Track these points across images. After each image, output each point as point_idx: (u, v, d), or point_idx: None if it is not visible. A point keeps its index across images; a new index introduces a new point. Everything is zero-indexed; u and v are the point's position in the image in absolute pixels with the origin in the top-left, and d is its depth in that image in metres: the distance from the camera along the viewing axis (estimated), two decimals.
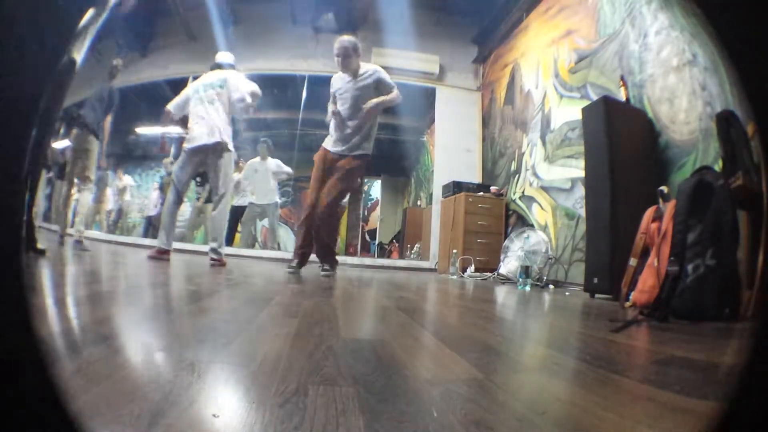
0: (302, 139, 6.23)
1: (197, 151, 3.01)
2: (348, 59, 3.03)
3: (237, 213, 5.56)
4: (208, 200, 5.28)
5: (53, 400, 0.31)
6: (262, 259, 5.14)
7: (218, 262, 2.98)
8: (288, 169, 5.42)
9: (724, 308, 1.54)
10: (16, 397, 0.29)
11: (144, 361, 0.67)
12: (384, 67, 5.50)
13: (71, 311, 0.99)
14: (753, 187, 1.54)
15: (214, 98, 3.04)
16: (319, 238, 2.88)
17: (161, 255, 2.91)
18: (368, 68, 3.17)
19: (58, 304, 1.01)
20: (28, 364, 0.30)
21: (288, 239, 6.77)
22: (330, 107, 3.07)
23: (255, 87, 3.15)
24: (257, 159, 5.37)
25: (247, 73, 5.88)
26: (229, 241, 5.65)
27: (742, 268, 1.55)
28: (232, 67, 3.27)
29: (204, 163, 3.07)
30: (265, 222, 5.61)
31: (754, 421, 0.31)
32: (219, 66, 3.23)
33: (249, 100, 3.09)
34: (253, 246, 5.83)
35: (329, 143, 3.03)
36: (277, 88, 6.45)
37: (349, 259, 5.54)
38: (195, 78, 3.39)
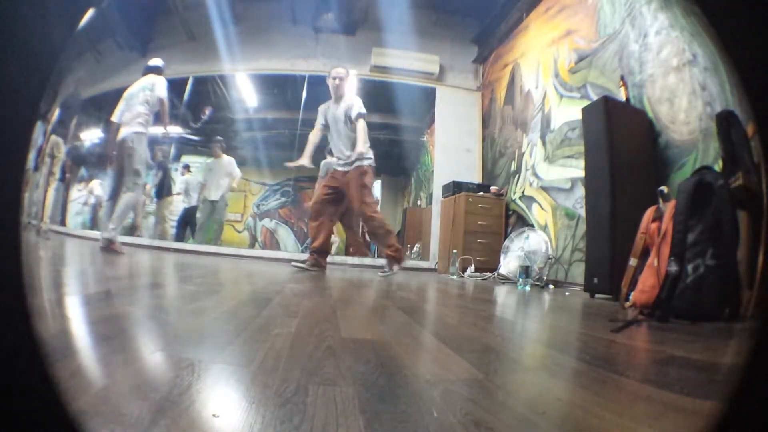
0: (302, 139, 6.22)
1: (120, 145, 3.16)
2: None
3: (188, 214, 5.67)
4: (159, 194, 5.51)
5: (53, 400, 0.31)
6: (250, 258, 5.14)
7: (111, 245, 3.02)
8: (237, 172, 5.55)
9: (724, 308, 1.54)
10: (16, 397, 0.29)
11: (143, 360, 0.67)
12: (384, 67, 5.52)
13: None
14: (753, 187, 1.54)
15: (143, 100, 3.24)
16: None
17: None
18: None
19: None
20: (28, 364, 0.30)
21: (288, 239, 6.77)
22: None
23: (164, 96, 3.33)
24: (211, 159, 5.54)
25: (249, 73, 5.93)
26: (179, 238, 5.72)
27: (742, 268, 1.55)
28: (159, 70, 3.44)
29: (122, 155, 3.17)
30: (216, 216, 5.67)
31: (754, 421, 0.31)
32: (151, 70, 3.40)
33: (159, 106, 3.31)
34: (253, 246, 5.84)
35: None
36: (277, 88, 6.45)
37: (350, 259, 5.54)
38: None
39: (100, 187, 6.14)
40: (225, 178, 5.45)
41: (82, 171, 6.05)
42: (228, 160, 5.48)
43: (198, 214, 5.61)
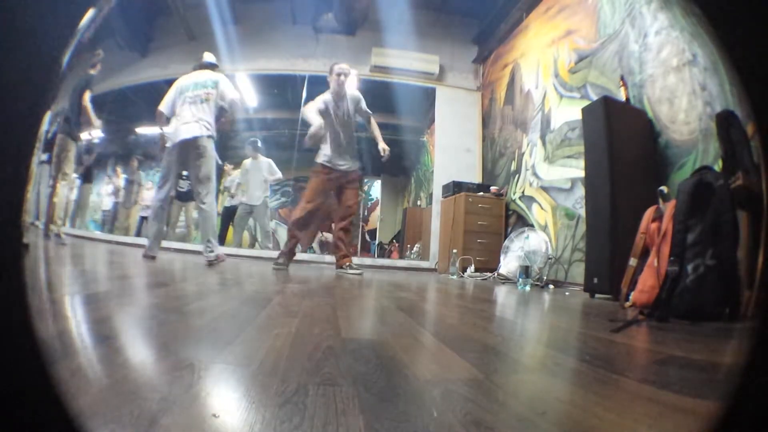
0: (302, 139, 6.22)
1: (184, 146, 2.96)
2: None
3: (229, 213, 5.59)
4: (188, 197, 5.15)
5: (53, 400, 0.31)
6: (260, 259, 5.14)
7: (217, 259, 2.93)
8: (279, 175, 5.40)
9: (724, 308, 1.54)
10: (16, 397, 0.29)
11: (144, 360, 0.67)
12: (384, 67, 5.49)
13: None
14: (753, 187, 1.54)
15: (204, 97, 3.04)
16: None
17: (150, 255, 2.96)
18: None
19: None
20: (28, 364, 0.30)
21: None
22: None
23: (239, 96, 3.21)
24: (249, 159, 5.37)
25: (249, 73, 5.93)
26: (221, 240, 5.67)
27: (742, 268, 1.55)
28: (217, 67, 3.29)
29: (188, 158, 3.01)
30: (258, 222, 5.61)
31: (754, 421, 0.31)
32: (207, 66, 3.22)
33: (231, 109, 3.15)
34: (253, 246, 5.84)
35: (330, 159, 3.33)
36: (277, 88, 6.45)
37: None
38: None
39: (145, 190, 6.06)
40: (264, 182, 5.29)
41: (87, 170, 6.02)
42: (266, 163, 5.30)
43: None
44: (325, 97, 3.32)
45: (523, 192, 4.26)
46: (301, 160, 6.49)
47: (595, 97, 3.06)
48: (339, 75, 3.28)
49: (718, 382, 0.71)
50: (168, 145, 3.01)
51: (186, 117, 2.97)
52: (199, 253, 3.26)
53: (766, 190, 0.35)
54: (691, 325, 1.48)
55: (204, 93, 3.04)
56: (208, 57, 3.26)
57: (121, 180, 6.28)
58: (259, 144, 5.38)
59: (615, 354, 0.99)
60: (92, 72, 3.59)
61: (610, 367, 0.82)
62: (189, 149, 2.96)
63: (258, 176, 5.27)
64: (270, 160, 5.36)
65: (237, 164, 5.82)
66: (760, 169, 0.35)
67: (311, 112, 3.21)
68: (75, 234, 5.15)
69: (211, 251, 2.93)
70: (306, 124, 3.29)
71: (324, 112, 3.25)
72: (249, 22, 5.65)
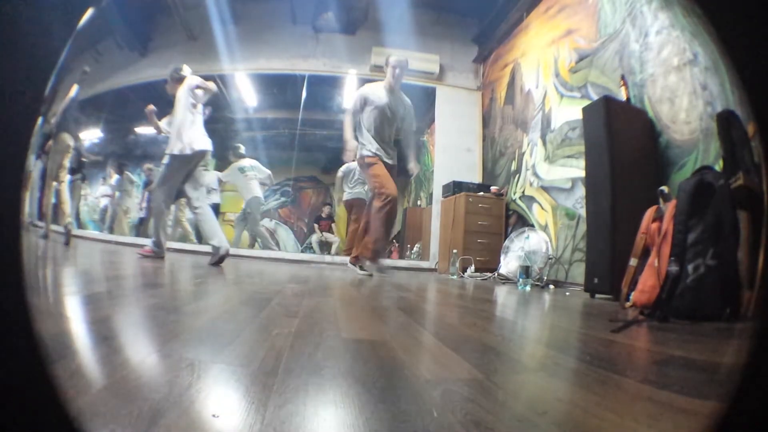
0: (302, 138, 6.23)
1: (200, 156, 3.05)
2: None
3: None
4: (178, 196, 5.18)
5: (53, 400, 0.31)
6: (260, 259, 5.15)
7: (221, 259, 2.97)
8: (267, 172, 5.45)
9: (724, 308, 1.53)
10: (16, 398, 0.29)
11: (143, 360, 0.67)
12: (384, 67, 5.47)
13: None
14: (753, 187, 1.53)
15: (198, 105, 3.12)
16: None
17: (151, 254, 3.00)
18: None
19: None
20: (28, 364, 0.30)
21: (287, 239, 6.77)
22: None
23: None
24: (234, 165, 5.43)
25: (249, 72, 5.93)
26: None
27: (742, 268, 1.54)
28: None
29: (195, 165, 3.10)
30: (265, 222, 5.64)
31: (754, 421, 0.31)
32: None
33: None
34: (252, 246, 5.84)
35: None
36: (277, 88, 6.44)
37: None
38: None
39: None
40: (254, 185, 5.30)
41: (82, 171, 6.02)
42: (249, 165, 5.33)
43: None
44: (375, 90, 3.25)
45: (523, 192, 4.25)
46: (301, 160, 6.49)
47: (595, 97, 3.06)
48: (394, 68, 3.19)
49: (718, 382, 0.71)
50: (180, 152, 2.98)
51: (202, 128, 3.08)
52: (198, 253, 3.30)
53: (766, 190, 0.35)
54: (691, 325, 1.48)
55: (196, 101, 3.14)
56: (187, 70, 3.26)
57: (114, 180, 6.29)
58: (242, 150, 5.44)
59: (615, 354, 0.99)
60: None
61: (610, 367, 0.82)
62: (201, 158, 3.08)
63: (244, 180, 5.31)
64: (254, 162, 5.40)
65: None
66: (760, 169, 0.35)
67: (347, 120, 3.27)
68: (73, 234, 5.14)
69: (216, 251, 2.97)
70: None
71: (371, 104, 3.21)
72: (249, 21, 5.65)
